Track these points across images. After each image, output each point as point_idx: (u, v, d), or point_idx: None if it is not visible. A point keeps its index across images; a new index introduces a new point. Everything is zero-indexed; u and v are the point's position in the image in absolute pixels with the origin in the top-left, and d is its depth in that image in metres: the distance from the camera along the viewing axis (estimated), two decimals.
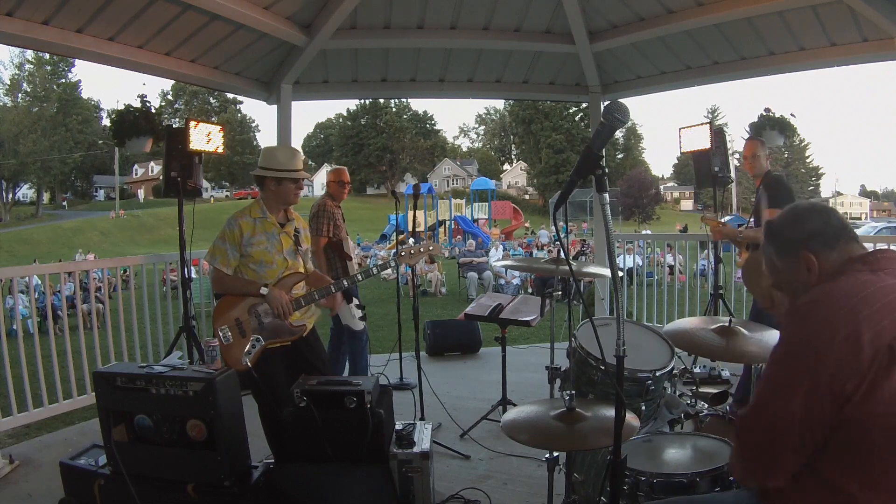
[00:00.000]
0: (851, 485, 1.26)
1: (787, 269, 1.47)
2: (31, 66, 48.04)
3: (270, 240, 3.09)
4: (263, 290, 2.98)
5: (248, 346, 2.97)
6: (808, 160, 59.57)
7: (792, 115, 5.69)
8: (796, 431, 1.27)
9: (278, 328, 3.05)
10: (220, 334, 2.99)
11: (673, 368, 2.34)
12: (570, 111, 52.99)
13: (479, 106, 79.52)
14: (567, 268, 2.85)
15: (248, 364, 2.94)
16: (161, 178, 5.25)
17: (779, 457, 1.31)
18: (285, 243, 3.14)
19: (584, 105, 29.55)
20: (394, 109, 61.03)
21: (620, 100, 3.14)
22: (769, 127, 5.67)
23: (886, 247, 1.51)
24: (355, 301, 4.51)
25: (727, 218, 23.49)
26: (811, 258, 1.41)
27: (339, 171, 4.86)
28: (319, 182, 59.92)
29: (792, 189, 4.03)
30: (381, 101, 55.75)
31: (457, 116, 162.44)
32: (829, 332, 1.25)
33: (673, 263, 10.13)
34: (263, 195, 3.16)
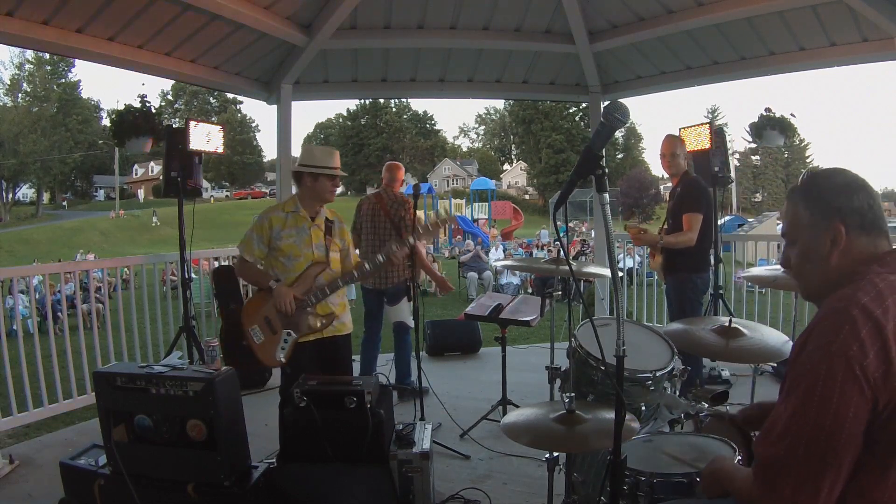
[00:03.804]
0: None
1: (810, 230, 1.38)
2: (31, 66, 48.08)
3: (300, 234, 3.16)
4: (273, 284, 3.05)
5: (280, 342, 3.03)
6: (808, 160, 59.58)
7: (792, 114, 5.70)
8: (844, 453, 1.19)
9: (303, 320, 3.09)
10: (252, 334, 3.05)
11: (673, 368, 2.33)
12: (570, 111, 53.02)
13: (479, 106, 79.64)
14: (567, 268, 2.86)
15: (283, 360, 3.03)
16: (161, 178, 5.25)
17: (824, 482, 1.20)
18: (315, 237, 3.19)
19: (584, 105, 29.55)
20: (394, 109, 61.04)
21: (620, 100, 3.14)
22: (769, 127, 5.67)
23: None
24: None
25: (727, 218, 23.52)
26: (842, 232, 1.34)
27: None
28: None
29: (710, 192, 4.03)
30: (381, 101, 55.75)
31: (457, 116, 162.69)
32: (863, 349, 1.19)
33: None
34: (300, 192, 3.25)
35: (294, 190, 3.38)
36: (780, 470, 1.25)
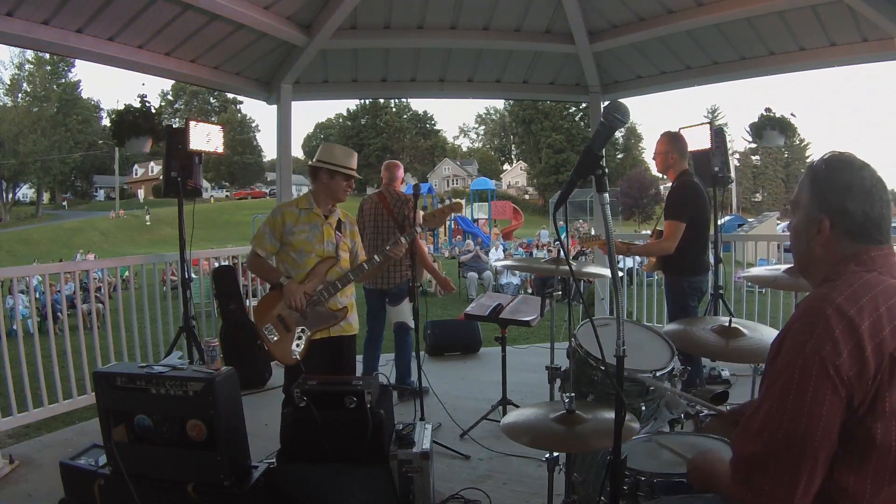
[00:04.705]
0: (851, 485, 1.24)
1: (805, 211, 1.42)
2: (31, 66, 48.10)
3: (313, 230, 3.18)
4: (283, 281, 3.07)
5: (294, 339, 3.05)
6: (808, 160, 59.39)
7: (792, 114, 5.70)
8: (819, 449, 1.21)
9: (321, 315, 3.11)
10: (265, 334, 3.05)
11: (673, 368, 2.33)
12: (570, 111, 53.03)
13: (479, 106, 79.73)
14: (567, 268, 2.85)
15: (299, 357, 3.04)
16: (161, 178, 5.25)
17: (801, 478, 1.22)
18: (327, 234, 3.22)
19: (584, 105, 29.56)
20: (394, 109, 61.06)
21: (620, 100, 3.13)
22: (769, 127, 5.67)
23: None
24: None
25: (727, 218, 23.50)
26: (826, 228, 1.36)
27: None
28: None
29: (699, 196, 3.84)
30: (381, 101, 55.77)
31: (457, 116, 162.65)
32: (836, 348, 1.21)
33: None
34: (314, 188, 3.28)
35: (294, 191, 3.39)
36: (758, 466, 1.27)
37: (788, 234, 1.54)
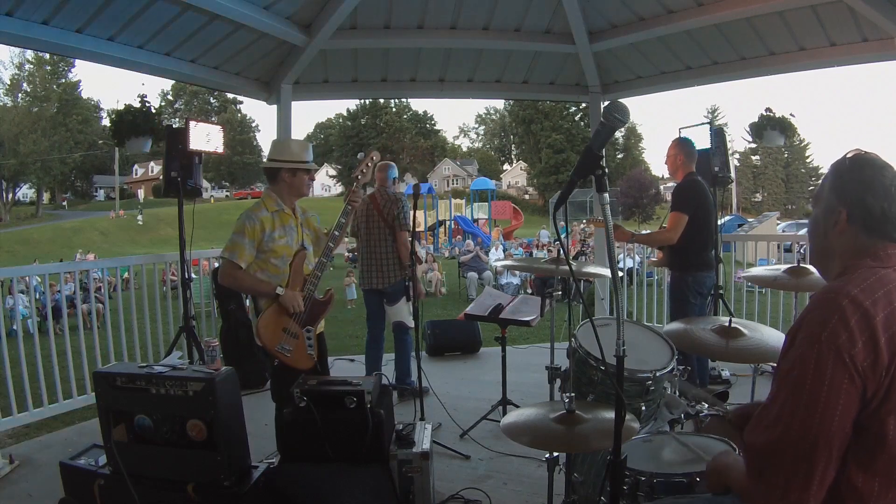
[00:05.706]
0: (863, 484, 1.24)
1: (824, 203, 1.43)
2: (31, 66, 48.05)
3: (289, 232, 3.10)
4: (279, 291, 2.97)
5: (305, 342, 3.04)
6: (808, 160, 59.59)
7: (792, 115, 5.70)
8: (834, 440, 1.21)
9: (313, 311, 3.08)
10: (282, 353, 2.99)
11: (673, 368, 2.33)
12: (570, 111, 53.00)
13: (479, 106, 79.64)
14: (567, 268, 2.86)
15: (315, 356, 3.05)
16: (161, 178, 5.25)
17: (816, 471, 1.21)
18: (299, 233, 3.17)
19: (584, 105, 29.54)
20: (394, 109, 60.99)
21: (620, 100, 3.13)
22: (769, 127, 5.68)
23: None
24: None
25: (727, 218, 23.49)
26: (843, 219, 1.38)
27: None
28: (319, 182, 59.86)
29: (702, 193, 4.00)
30: (381, 101, 55.75)
31: (457, 116, 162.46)
32: (852, 338, 1.21)
33: None
34: (276, 188, 3.13)
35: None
36: (772, 458, 1.26)
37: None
